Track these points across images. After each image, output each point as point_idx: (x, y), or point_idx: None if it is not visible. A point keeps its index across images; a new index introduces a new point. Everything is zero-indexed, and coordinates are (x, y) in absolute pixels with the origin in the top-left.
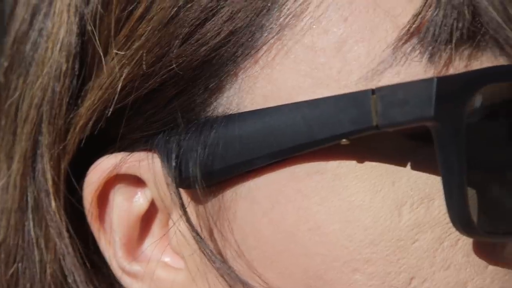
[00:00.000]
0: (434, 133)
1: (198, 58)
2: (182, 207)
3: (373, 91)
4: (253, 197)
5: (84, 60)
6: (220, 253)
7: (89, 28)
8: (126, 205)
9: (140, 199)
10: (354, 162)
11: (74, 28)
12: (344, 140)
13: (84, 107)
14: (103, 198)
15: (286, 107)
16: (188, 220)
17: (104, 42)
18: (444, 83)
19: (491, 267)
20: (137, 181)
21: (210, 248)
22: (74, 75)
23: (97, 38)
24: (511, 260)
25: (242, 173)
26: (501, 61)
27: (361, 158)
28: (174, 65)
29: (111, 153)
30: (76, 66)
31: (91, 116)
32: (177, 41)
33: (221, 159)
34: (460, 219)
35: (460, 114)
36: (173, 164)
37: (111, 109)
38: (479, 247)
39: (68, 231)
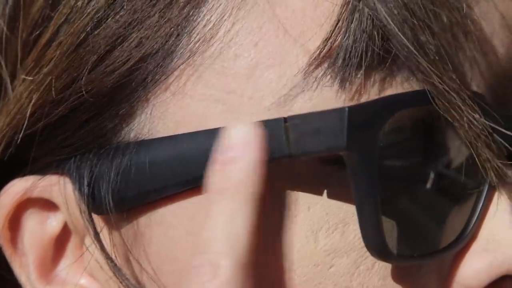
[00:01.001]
0: (347, 162)
1: (108, 84)
2: (95, 234)
3: (285, 120)
4: (168, 223)
5: None
6: (136, 279)
7: None
8: (38, 228)
9: (53, 222)
10: (269, 188)
11: None
12: None
13: None
14: (15, 221)
15: (197, 134)
16: (102, 248)
17: (12, 66)
18: (355, 112)
19: None
20: (49, 205)
21: (126, 274)
22: None
23: (3, 62)
24: (427, 281)
25: (155, 200)
26: (414, 85)
27: (274, 184)
28: (84, 92)
29: (23, 176)
30: None
31: (0, 142)
32: (86, 67)
33: (133, 186)
34: (375, 246)
35: (372, 142)
36: (85, 190)
37: (20, 135)
38: (395, 269)
39: None
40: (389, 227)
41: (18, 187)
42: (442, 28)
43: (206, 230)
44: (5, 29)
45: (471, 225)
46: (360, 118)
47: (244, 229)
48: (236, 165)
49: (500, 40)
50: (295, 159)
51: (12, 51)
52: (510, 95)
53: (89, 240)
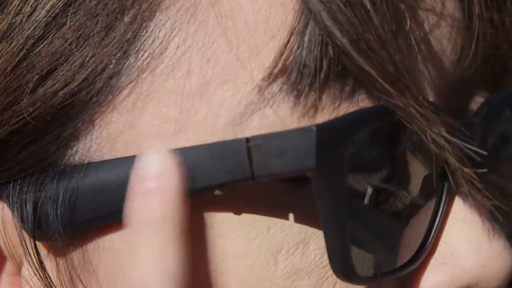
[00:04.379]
0: (314, 182)
1: (51, 106)
2: (40, 264)
3: (247, 140)
4: (117, 249)
5: None
6: None
7: None
8: None
9: None
10: (224, 211)
11: None
12: (217, 191)
13: None
14: None
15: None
16: (45, 276)
17: None
18: (323, 131)
19: None
20: None
21: None
22: None
23: None
24: None
25: (103, 225)
26: (375, 100)
27: (233, 206)
28: (25, 114)
29: None
30: None
31: None
32: (27, 87)
33: (81, 211)
34: (342, 268)
35: (341, 162)
36: (29, 216)
37: None
38: None
39: None
40: (354, 248)
41: None
42: (399, 41)
43: (135, 270)
44: None
45: (430, 239)
46: (328, 137)
47: (176, 264)
48: (156, 197)
49: (447, 46)
50: (258, 181)
51: None
52: (465, 100)
53: (28, 267)
